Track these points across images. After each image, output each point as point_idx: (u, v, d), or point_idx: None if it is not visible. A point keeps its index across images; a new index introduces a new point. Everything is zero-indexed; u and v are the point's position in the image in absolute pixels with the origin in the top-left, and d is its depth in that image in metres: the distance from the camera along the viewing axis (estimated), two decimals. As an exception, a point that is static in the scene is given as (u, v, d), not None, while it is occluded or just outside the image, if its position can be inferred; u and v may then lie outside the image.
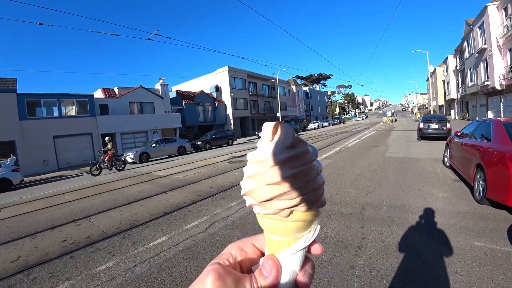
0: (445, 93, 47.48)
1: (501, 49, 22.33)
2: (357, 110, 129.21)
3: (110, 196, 8.06)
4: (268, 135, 0.40)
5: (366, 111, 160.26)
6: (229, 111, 36.44)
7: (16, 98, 20.07)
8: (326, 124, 55.29)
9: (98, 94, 27.82)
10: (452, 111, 44.58)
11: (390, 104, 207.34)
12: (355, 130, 29.83)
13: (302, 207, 0.39)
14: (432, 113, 42.29)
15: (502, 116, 22.48)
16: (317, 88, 79.83)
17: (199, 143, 23.40)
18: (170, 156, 20.83)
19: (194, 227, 4.81)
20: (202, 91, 34.59)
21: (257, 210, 0.40)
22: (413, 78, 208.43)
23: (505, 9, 21.43)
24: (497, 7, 22.50)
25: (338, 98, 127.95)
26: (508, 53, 21.37)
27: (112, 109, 25.77)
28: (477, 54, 26.83)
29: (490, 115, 25.83)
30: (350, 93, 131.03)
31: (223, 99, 36.89)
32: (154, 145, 20.02)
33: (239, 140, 31.84)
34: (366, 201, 5.22)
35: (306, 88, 64.45)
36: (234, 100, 36.82)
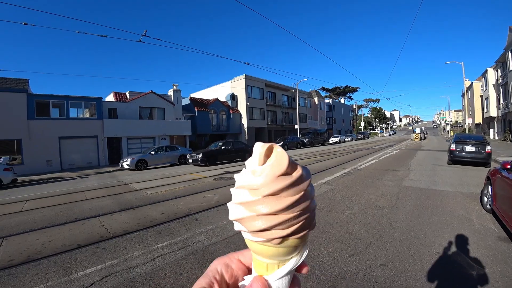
0: (483, 110, 42.92)
1: None
2: (385, 126, 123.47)
3: (50, 212, 6.60)
4: (260, 158, 0.38)
5: (394, 126, 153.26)
6: (244, 121, 34.99)
7: (26, 98, 20.05)
8: (349, 139, 52.28)
9: (111, 98, 27.50)
10: (491, 130, 40.03)
11: (421, 121, 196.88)
12: (377, 147, 27.13)
13: (296, 235, 0.38)
14: (467, 132, 38.27)
15: None
16: (342, 101, 76.76)
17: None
18: (172, 165, 19.53)
19: (80, 278, 3.14)
20: (217, 99, 33.48)
21: (247, 237, 0.39)
22: (447, 93, 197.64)
23: None
24: None
25: (365, 112, 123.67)
26: None
27: (121, 113, 25.20)
28: None
29: None
30: (377, 107, 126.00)
31: (239, 108, 35.56)
32: (152, 152, 18.85)
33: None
34: (344, 270, 3.15)
35: (329, 101, 61.91)
36: (249, 109, 35.37)
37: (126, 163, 17.73)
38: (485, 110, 40.84)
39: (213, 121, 32.33)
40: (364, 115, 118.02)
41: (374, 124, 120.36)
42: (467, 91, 47.39)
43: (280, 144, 29.62)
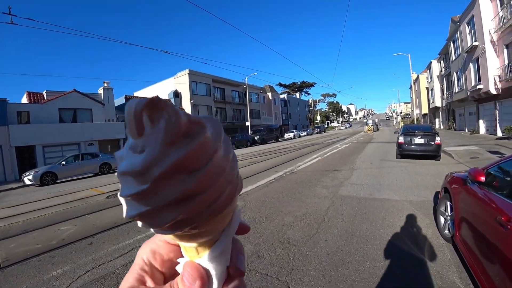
0: (429, 101, 44.76)
1: (495, 46, 18.74)
2: (341, 119, 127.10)
3: None
4: (138, 124, 0.27)
5: (351, 120, 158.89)
6: (189, 120, 32.31)
7: None
8: (304, 133, 51.75)
9: (25, 99, 23.46)
10: (437, 120, 41.82)
11: (375, 113, 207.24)
12: (328, 142, 26.17)
13: (218, 215, 0.30)
14: (415, 122, 39.18)
15: (498, 126, 19.11)
16: (299, 96, 76.72)
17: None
18: (96, 174, 16.74)
19: None
20: (158, 97, 30.46)
21: (158, 232, 0.30)
22: (397, 86, 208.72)
23: (500, -2, 17.88)
24: None
25: (323, 106, 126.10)
26: (505, 50, 17.79)
27: (35, 117, 21.40)
28: (465, 55, 23.22)
29: (482, 124, 22.39)
30: (335, 101, 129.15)
31: (184, 107, 32.82)
32: (63, 162, 15.79)
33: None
34: None
35: (284, 96, 61.04)
36: (195, 107, 32.79)
37: (28, 178, 14.64)
38: (431, 100, 42.44)
39: (153, 122, 29.35)
40: (322, 110, 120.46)
41: (331, 118, 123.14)
42: (414, 83, 49.07)
43: (227, 143, 27.55)
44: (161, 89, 34.84)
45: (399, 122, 65.62)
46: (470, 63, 22.46)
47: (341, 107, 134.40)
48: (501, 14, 17.57)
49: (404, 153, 10.97)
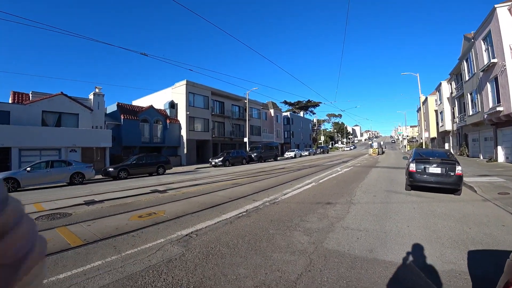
0: (438, 124, 42.60)
1: None
2: (345, 140, 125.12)
3: None
4: None
5: (355, 141, 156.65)
6: (184, 132, 30.81)
7: None
8: (306, 153, 49.90)
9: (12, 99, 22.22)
10: (446, 144, 39.50)
11: (380, 136, 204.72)
12: (328, 164, 24.26)
13: None
14: (424, 146, 37.02)
15: None
16: (303, 114, 75.33)
17: (110, 169, 17.51)
18: (70, 184, 15.17)
19: None
20: (151, 107, 29.16)
21: None
22: (403, 108, 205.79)
23: (521, 9, 16.09)
24: (509, 9, 17.33)
25: (328, 127, 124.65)
26: None
27: (16, 118, 20.05)
28: (481, 74, 21.24)
29: (501, 151, 20.13)
30: (340, 122, 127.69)
31: (179, 118, 31.42)
32: (29, 169, 14.16)
33: (186, 168, 25.98)
34: None
35: (287, 113, 59.62)
36: (190, 119, 31.32)
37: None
38: (440, 124, 40.31)
39: (146, 132, 27.87)
40: (327, 130, 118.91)
41: (336, 139, 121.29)
42: (422, 105, 47.34)
43: (220, 159, 25.94)
44: (159, 99, 33.59)
45: (405, 146, 63.52)
46: (487, 83, 20.44)
47: (346, 128, 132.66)
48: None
49: (415, 184, 8.96)
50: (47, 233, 5.63)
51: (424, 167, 8.80)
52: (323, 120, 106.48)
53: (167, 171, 21.11)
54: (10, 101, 21.72)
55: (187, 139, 30.65)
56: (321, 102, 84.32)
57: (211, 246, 4.48)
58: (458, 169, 8.26)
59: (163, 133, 29.54)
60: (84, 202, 9.02)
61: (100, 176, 18.00)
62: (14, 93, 22.32)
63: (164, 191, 10.78)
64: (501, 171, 14.36)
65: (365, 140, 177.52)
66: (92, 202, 8.97)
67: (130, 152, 26.13)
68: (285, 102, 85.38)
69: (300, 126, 64.59)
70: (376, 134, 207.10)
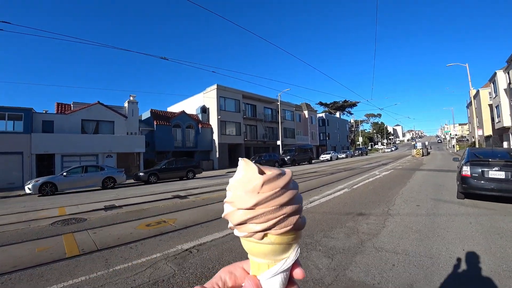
0: (493, 120, 37.51)
1: None
2: (385, 141, 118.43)
3: None
4: (240, 167, 0.44)
5: (397, 142, 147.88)
6: (215, 136, 30.78)
7: None
8: (343, 155, 47.70)
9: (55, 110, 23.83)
10: (505, 143, 34.36)
11: (425, 135, 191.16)
12: (366, 167, 22.55)
13: (275, 231, 0.41)
14: (477, 146, 32.81)
15: None
16: (340, 115, 72.55)
17: (141, 174, 17.71)
18: (102, 188, 15.69)
19: None
20: (183, 112, 29.54)
21: (236, 233, 0.43)
22: (450, 104, 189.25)
23: None
24: None
25: (366, 127, 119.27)
26: None
27: (59, 127, 21.37)
28: None
29: None
30: (379, 122, 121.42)
31: (211, 122, 31.50)
32: (65, 173, 14.79)
33: (217, 172, 25.77)
34: None
35: (322, 114, 57.63)
36: (222, 123, 31.22)
37: (28, 187, 13.88)
38: (496, 120, 35.57)
39: (177, 137, 28.23)
40: (366, 131, 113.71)
41: (375, 140, 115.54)
42: (474, 98, 42.51)
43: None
44: (191, 104, 34.05)
45: (453, 146, 58.01)
46: None
47: (386, 128, 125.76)
48: None
49: (470, 191, 7.34)
50: (53, 240, 5.49)
51: (482, 171, 7.14)
52: (361, 121, 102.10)
53: (197, 176, 20.98)
54: (55, 112, 23.18)
55: (219, 143, 30.57)
56: (358, 102, 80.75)
57: (208, 266, 3.76)
58: None
59: (195, 138, 29.74)
60: (103, 207, 8.88)
61: (132, 181, 18.29)
62: (58, 104, 23.86)
63: (185, 197, 10.35)
64: None
65: (408, 140, 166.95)
66: (111, 208, 8.79)
67: (164, 156, 26.57)
68: (320, 103, 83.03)
69: (336, 127, 62.14)
70: (420, 134, 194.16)
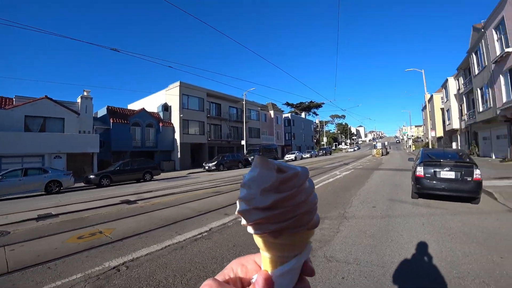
0: (444, 122, 40.93)
1: None
2: (349, 141, 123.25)
3: None
4: (256, 164, 0.42)
5: (359, 142, 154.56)
6: (177, 136, 29.66)
7: None
8: (308, 155, 48.53)
9: None
10: (454, 144, 37.82)
11: (385, 136, 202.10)
12: (328, 166, 22.94)
13: (290, 230, 0.41)
14: (430, 146, 35.13)
15: None
16: (305, 116, 73.92)
17: (91, 177, 16.37)
18: (46, 193, 14.07)
19: None
20: (143, 109, 28.11)
21: (249, 230, 0.43)
22: (407, 107, 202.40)
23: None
24: None
25: (331, 128, 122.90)
26: None
27: (-4, 124, 19.08)
28: (493, 66, 19.70)
29: None
30: (343, 123, 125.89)
31: (173, 121, 30.29)
32: (-1, 177, 13.12)
33: (178, 173, 24.80)
34: None
35: (288, 115, 58.26)
36: (184, 122, 30.16)
37: None
38: (447, 122, 38.65)
39: (137, 136, 26.76)
40: (331, 131, 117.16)
41: (340, 140, 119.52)
42: (428, 102, 45.79)
43: (213, 163, 24.75)
44: (153, 102, 32.51)
45: (410, 146, 61.68)
46: (501, 75, 18.85)
47: (350, 129, 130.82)
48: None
49: (424, 191, 7.56)
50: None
51: (434, 171, 7.38)
52: (326, 122, 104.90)
53: (156, 177, 19.96)
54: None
55: (181, 143, 29.46)
56: (323, 103, 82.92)
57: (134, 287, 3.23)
58: (477, 173, 6.84)
59: (156, 137, 28.40)
60: (37, 217, 7.87)
61: (82, 184, 16.86)
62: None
63: (134, 202, 9.58)
64: (518, 172, 12.92)
65: (370, 140, 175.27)
66: (45, 217, 7.82)
67: (121, 157, 25.01)
68: (287, 104, 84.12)
69: (302, 127, 63.17)
70: (380, 135, 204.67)
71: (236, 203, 0.44)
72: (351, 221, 5.87)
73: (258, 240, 0.43)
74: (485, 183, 8.79)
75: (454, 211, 6.51)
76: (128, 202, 9.64)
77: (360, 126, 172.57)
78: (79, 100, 23.92)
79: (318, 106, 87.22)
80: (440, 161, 7.54)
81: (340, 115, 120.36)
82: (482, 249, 4.05)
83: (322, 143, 73.10)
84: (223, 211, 7.31)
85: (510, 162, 17.96)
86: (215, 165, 24.64)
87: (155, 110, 31.08)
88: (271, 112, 49.61)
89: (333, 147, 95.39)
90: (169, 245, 4.68)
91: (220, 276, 0.45)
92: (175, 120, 30.03)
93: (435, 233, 4.90)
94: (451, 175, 7.17)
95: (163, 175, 22.38)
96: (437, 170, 7.36)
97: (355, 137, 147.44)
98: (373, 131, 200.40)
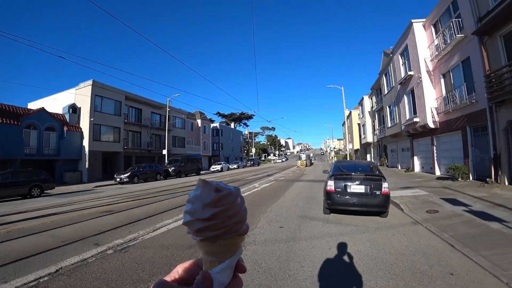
0: (360, 136, 45.80)
1: (431, 76, 17.69)
2: (278, 152, 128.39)
3: None
4: (199, 185, 0.51)
5: (288, 153, 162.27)
6: (86, 142, 26.25)
7: None
8: (235, 166, 48.31)
9: None
10: (368, 156, 42.67)
11: (311, 148, 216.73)
12: (251, 178, 22.80)
13: (225, 236, 0.50)
14: (348, 158, 38.33)
15: (436, 164, 17.68)
16: (235, 126, 74.27)
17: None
18: None
19: None
20: (43, 109, 24.09)
21: (193, 237, 0.51)
22: (331, 121, 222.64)
23: (435, 25, 17.12)
24: (424, 25, 18.29)
25: (262, 139, 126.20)
26: (442, 80, 16.67)
27: None
28: (399, 86, 22.30)
29: (417, 161, 21.28)
30: (273, 135, 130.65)
31: (83, 125, 26.78)
32: None
33: (82, 186, 21.79)
34: None
35: (216, 124, 57.61)
36: (96, 127, 26.89)
37: None
38: (363, 136, 43.29)
39: (31, 141, 22.69)
40: (261, 142, 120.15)
41: (269, 151, 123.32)
42: (347, 119, 50.56)
43: (126, 175, 22.46)
44: (59, 101, 28.27)
45: (332, 157, 66.81)
46: (405, 95, 21.52)
47: (279, 140, 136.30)
48: (436, 41, 16.77)
49: (335, 207, 7.51)
50: None
51: (345, 185, 7.36)
52: (256, 133, 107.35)
53: (50, 191, 17.06)
54: None
55: (90, 151, 26.01)
56: (254, 115, 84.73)
57: None
58: (385, 186, 7.03)
59: (58, 143, 24.52)
60: None
61: None
62: None
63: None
64: (420, 181, 14.67)
65: (297, 152, 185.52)
66: None
67: (9, 166, 20.87)
68: (219, 114, 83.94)
69: (231, 138, 63.07)
70: (307, 147, 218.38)
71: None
72: (248, 249, 5.16)
73: (200, 245, 0.52)
74: (393, 194, 9.24)
75: (364, 227, 6.51)
76: (-21, 229, 7.54)
77: (289, 138, 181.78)
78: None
79: (249, 117, 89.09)
80: (351, 175, 7.56)
81: (270, 127, 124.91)
82: (389, 279, 3.76)
83: (251, 154, 74.15)
84: (96, 238, 6.05)
85: (412, 172, 20.71)
86: (128, 176, 22.26)
87: (61, 111, 27.06)
88: (199, 121, 48.25)
89: (263, 158, 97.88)
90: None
91: (168, 277, 0.52)
92: (85, 124, 26.53)
93: (341, 260, 4.57)
94: (361, 189, 7.24)
95: (61, 189, 19.36)
96: (348, 184, 7.37)
97: (284, 149, 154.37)
98: (301, 143, 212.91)
